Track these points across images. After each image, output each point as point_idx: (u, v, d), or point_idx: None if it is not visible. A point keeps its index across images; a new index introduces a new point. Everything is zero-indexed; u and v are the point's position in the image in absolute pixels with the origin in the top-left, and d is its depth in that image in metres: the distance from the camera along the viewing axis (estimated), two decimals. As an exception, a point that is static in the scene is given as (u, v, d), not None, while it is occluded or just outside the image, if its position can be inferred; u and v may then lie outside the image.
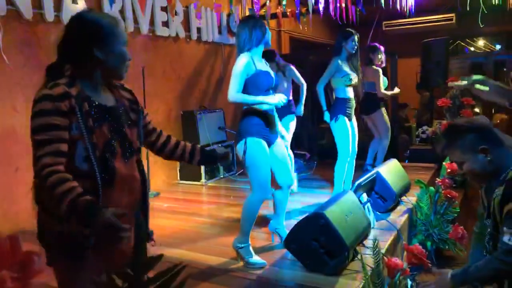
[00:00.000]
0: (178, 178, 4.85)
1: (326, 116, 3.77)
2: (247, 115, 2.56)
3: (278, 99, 2.53)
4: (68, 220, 1.19)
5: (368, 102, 4.65)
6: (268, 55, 3.59)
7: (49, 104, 1.21)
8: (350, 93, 3.75)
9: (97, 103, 1.32)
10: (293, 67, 4.23)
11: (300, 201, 3.92)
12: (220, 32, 5.40)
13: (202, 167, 4.70)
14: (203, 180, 4.72)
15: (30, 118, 1.25)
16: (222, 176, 4.99)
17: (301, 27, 6.39)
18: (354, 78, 3.72)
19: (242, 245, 2.56)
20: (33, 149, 1.23)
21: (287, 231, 2.62)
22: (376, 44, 4.70)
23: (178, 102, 4.89)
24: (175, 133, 4.82)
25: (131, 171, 1.41)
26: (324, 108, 3.78)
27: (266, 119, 2.56)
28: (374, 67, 4.57)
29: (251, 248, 2.58)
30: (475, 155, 1.62)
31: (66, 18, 3.48)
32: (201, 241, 3.06)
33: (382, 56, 4.65)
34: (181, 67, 4.90)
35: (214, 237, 3.15)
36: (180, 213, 3.78)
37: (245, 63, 2.48)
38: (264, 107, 2.55)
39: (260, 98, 2.50)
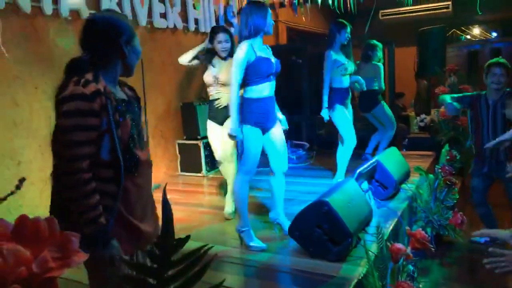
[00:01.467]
0: (179, 170, 4.87)
1: (324, 113, 3.77)
2: (245, 102, 2.60)
3: (232, 132, 2.57)
4: (78, 222, 1.29)
5: (367, 99, 4.68)
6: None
7: (84, 104, 1.26)
8: (345, 82, 3.79)
9: (119, 97, 1.40)
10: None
11: (301, 190, 3.96)
12: (217, 23, 5.38)
13: (203, 159, 4.72)
14: (203, 171, 4.74)
15: (62, 114, 1.29)
16: (222, 167, 5.00)
17: (296, 15, 6.38)
18: (350, 67, 3.78)
19: (243, 229, 2.68)
20: (65, 147, 1.28)
21: (288, 220, 2.70)
22: (375, 41, 4.72)
23: (177, 94, 4.89)
24: (175, 124, 4.83)
25: (148, 159, 1.51)
26: (326, 105, 3.76)
27: (263, 106, 2.59)
28: (375, 63, 4.60)
29: (251, 232, 2.67)
30: None
31: (64, 11, 3.45)
32: (204, 231, 3.09)
33: (380, 54, 4.68)
34: (179, 59, 4.89)
35: (217, 227, 3.18)
36: (182, 204, 3.81)
37: (245, 51, 2.51)
38: (263, 94, 2.58)
39: (233, 115, 2.55)
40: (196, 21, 5.05)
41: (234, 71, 2.53)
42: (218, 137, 3.31)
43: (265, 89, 2.58)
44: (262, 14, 2.54)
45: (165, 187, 0.65)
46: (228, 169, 3.32)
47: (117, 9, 3.97)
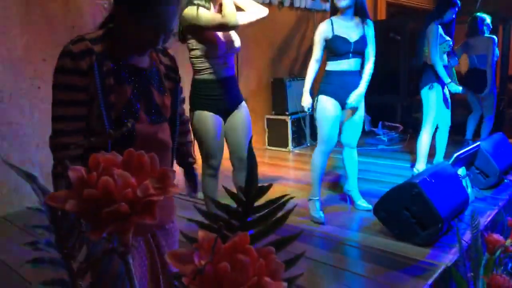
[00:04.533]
0: (266, 144, 4.99)
1: (454, 87, 3.44)
2: (324, 75, 2.77)
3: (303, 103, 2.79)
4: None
5: (481, 80, 4.27)
6: None
7: (70, 62, 1.15)
8: (445, 60, 3.53)
9: (125, 62, 1.23)
10: None
11: (388, 172, 3.82)
12: (312, -1, 5.29)
13: (290, 135, 4.77)
14: (290, 147, 4.79)
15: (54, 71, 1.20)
16: (308, 144, 5.01)
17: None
18: (450, 44, 3.53)
19: (310, 198, 2.83)
20: (52, 107, 1.20)
21: (360, 195, 2.89)
22: (484, 15, 4.27)
23: (268, 69, 4.95)
24: (265, 99, 4.93)
25: (160, 136, 1.30)
26: (448, 80, 3.43)
27: (337, 79, 2.69)
28: (488, 36, 4.17)
29: (317, 203, 2.79)
30: None
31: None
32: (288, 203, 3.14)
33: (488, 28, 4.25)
34: (272, 34, 4.92)
35: (301, 200, 3.21)
36: (268, 177, 3.91)
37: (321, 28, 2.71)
38: (340, 68, 2.69)
39: (306, 86, 2.78)
40: (292, -4, 5.02)
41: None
42: (219, 135, 2.24)
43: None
44: None
45: (250, 139, 0.68)
46: (241, 179, 2.33)
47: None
